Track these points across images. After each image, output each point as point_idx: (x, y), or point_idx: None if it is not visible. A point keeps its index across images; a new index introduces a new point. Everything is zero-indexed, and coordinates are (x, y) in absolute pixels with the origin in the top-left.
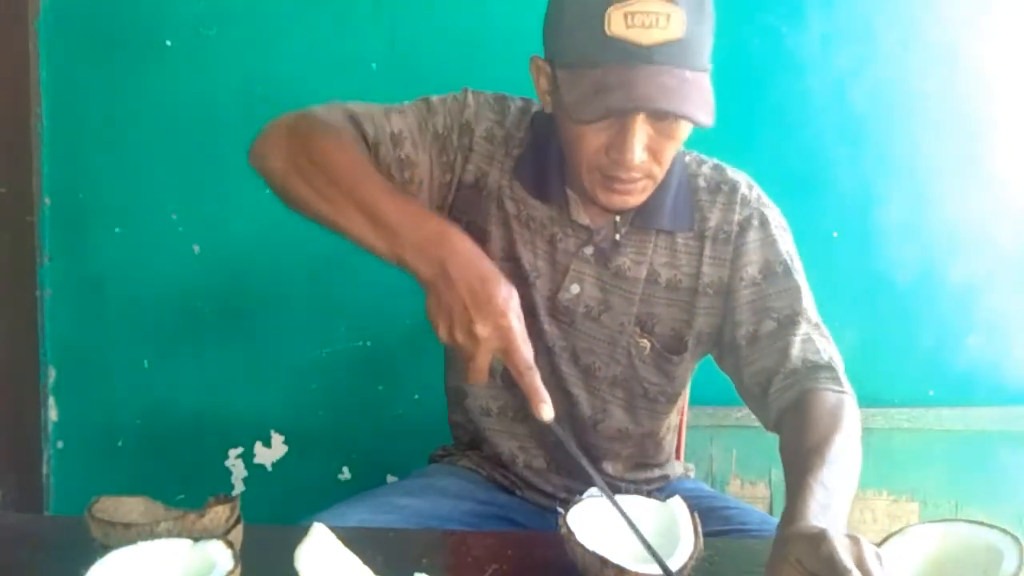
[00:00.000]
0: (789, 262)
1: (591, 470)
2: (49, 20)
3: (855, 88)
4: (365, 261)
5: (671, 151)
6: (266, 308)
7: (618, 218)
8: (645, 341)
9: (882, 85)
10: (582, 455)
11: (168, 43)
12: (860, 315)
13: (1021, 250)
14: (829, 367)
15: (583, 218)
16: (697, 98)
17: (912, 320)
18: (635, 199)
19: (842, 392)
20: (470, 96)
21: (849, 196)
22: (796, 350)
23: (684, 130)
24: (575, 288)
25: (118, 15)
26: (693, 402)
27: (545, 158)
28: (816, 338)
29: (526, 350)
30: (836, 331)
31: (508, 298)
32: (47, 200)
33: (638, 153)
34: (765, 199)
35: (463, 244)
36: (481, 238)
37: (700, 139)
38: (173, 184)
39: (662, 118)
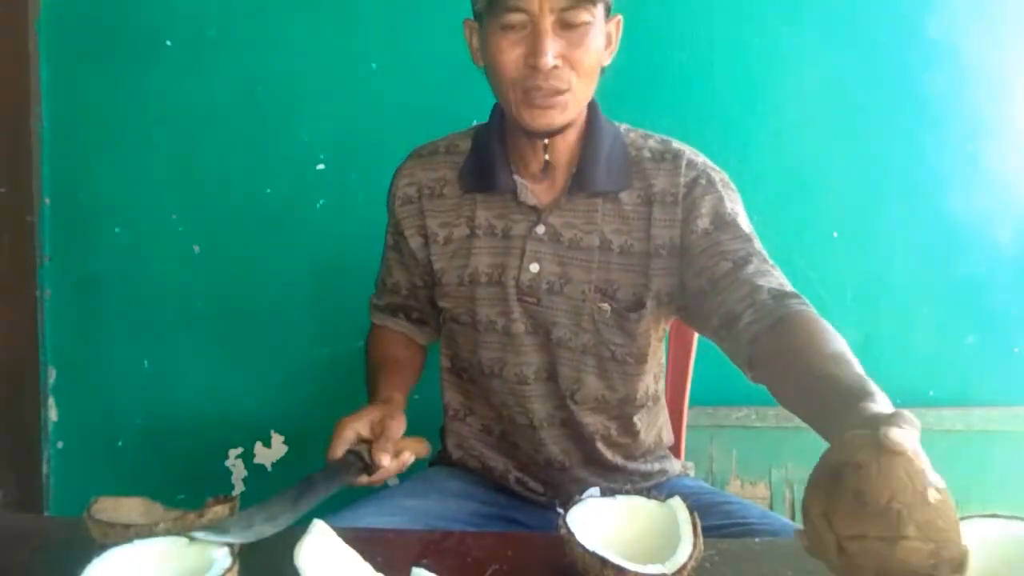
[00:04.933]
0: (736, 216)
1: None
2: (49, 20)
3: (855, 88)
4: (364, 261)
5: (587, 60)
6: (266, 308)
7: (566, 182)
8: (605, 305)
9: (882, 85)
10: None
11: (168, 43)
12: (860, 315)
13: (1021, 250)
14: (795, 295)
15: (531, 198)
16: None
17: (912, 320)
18: (559, 115)
19: (811, 309)
20: (390, 185)
21: (849, 196)
22: (760, 281)
23: (594, 38)
24: (535, 267)
25: (118, 15)
26: (693, 402)
27: (489, 156)
28: (776, 273)
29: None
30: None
31: (340, 425)
32: (47, 200)
33: (551, 57)
34: (711, 164)
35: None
36: (438, 276)
37: (700, 139)
38: (173, 184)
39: (571, 23)
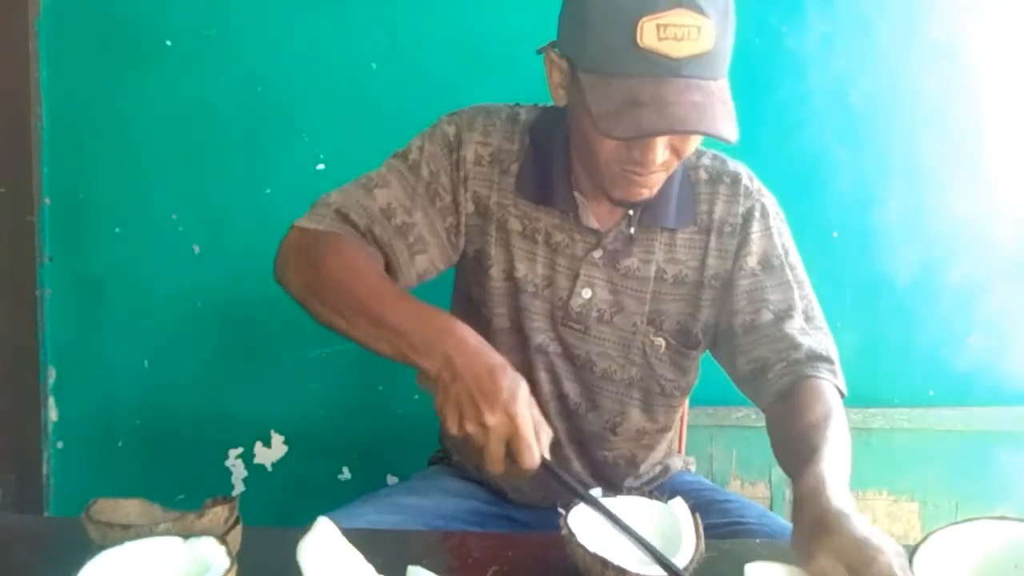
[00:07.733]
0: (784, 256)
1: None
2: (49, 20)
3: (855, 88)
4: None
5: (691, 147)
6: (266, 308)
7: (631, 212)
8: (660, 339)
9: (882, 85)
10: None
11: (168, 43)
12: (860, 315)
13: (1021, 250)
14: (830, 360)
15: (592, 222)
16: (723, 112)
17: (912, 320)
18: (651, 192)
19: (836, 385)
20: (445, 125)
21: (849, 196)
22: (798, 341)
23: None
24: (587, 292)
25: (118, 15)
26: (693, 402)
27: (549, 166)
28: (812, 332)
29: (533, 441)
30: (836, 331)
31: (515, 387)
32: (47, 200)
33: (661, 155)
34: (764, 190)
35: (468, 337)
36: (487, 263)
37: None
38: (173, 184)
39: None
